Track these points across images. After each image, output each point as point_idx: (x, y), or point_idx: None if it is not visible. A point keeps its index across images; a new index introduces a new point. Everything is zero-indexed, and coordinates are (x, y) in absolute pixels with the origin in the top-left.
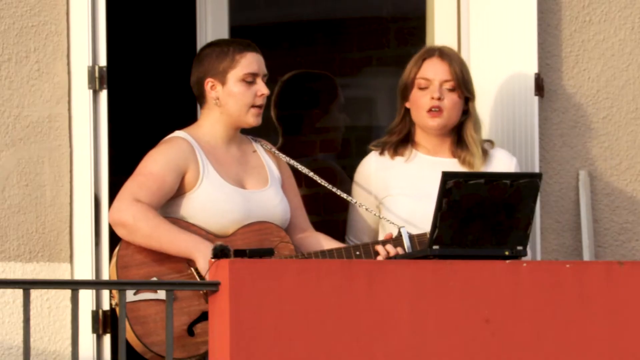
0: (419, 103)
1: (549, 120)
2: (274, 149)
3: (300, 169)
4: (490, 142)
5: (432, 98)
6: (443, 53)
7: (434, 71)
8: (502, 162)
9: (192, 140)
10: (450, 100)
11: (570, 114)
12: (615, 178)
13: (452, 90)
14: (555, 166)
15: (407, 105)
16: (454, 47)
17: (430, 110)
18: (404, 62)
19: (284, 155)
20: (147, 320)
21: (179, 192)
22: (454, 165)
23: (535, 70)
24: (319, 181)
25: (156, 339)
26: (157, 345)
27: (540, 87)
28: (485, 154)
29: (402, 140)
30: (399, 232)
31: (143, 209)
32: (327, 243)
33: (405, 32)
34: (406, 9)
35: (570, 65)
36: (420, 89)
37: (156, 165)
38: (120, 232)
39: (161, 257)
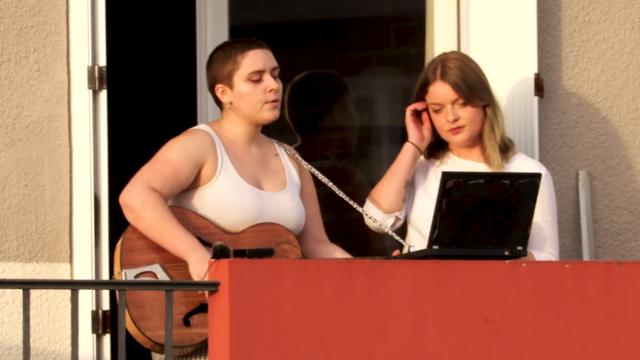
0: (438, 124)
1: (549, 120)
2: (297, 155)
3: (320, 178)
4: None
5: (448, 121)
6: (444, 74)
7: (440, 96)
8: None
9: (214, 134)
10: (468, 114)
11: (570, 114)
12: (615, 178)
13: (464, 105)
14: (555, 166)
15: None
16: (454, 47)
17: (449, 129)
18: (403, 62)
19: (306, 163)
20: (144, 304)
21: (195, 184)
22: (482, 169)
23: (535, 70)
24: (337, 192)
25: (151, 323)
26: (150, 330)
27: (540, 87)
28: (507, 152)
29: (437, 142)
30: (408, 249)
31: (153, 197)
32: (340, 256)
33: (405, 32)
34: (406, 9)
35: (570, 65)
36: (435, 111)
37: (174, 153)
38: (127, 215)
39: None
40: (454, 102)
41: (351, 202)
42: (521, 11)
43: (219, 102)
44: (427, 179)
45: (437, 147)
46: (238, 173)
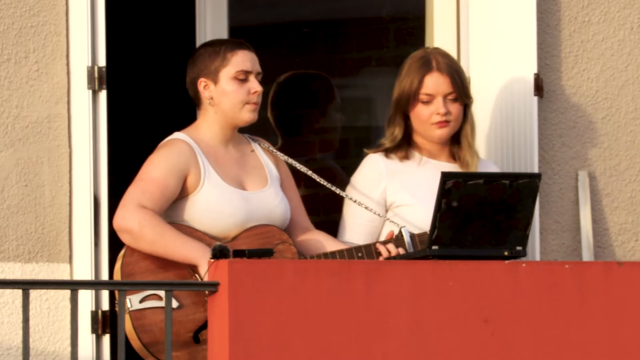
0: (424, 117)
1: (548, 120)
2: (272, 148)
3: (299, 168)
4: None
5: (439, 114)
6: (440, 65)
7: (436, 87)
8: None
9: (191, 142)
10: (456, 110)
11: (570, 114)
12: (615, 178)
13: (454, 100)
14: (555, 166)
15: (409, 114)
16: (454, 47)
17: (437, 122)
18: (403, 62)
19: (282, 154)
20: (153, 328)
21: (181, 195)
22: (455, 169)
23: (535, 70)
24: (318, 180)
25: (163, 347)
26: (163, 353)
27: (539, 87)
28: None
29: (405, 143)
30: (400, 232)
31: (148, 215)
32: (329, 244)
33: (405, 32)
34: (405, 9)
35: (569, 66)
36: (423, 102)
37: (158, 170)
38: (125, 238)
39: (165, 264)
40: (446, 96)
41: (329, 185)
42: (521, 11)
43: (197, 99)
44: (418, 184)
45: (407, 147)
46: (221, 178)
